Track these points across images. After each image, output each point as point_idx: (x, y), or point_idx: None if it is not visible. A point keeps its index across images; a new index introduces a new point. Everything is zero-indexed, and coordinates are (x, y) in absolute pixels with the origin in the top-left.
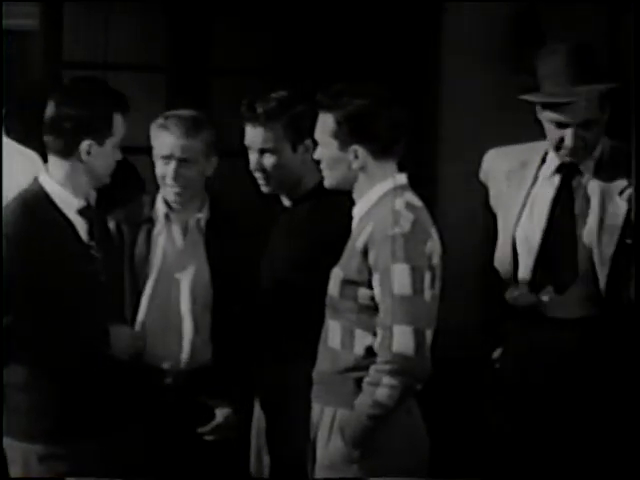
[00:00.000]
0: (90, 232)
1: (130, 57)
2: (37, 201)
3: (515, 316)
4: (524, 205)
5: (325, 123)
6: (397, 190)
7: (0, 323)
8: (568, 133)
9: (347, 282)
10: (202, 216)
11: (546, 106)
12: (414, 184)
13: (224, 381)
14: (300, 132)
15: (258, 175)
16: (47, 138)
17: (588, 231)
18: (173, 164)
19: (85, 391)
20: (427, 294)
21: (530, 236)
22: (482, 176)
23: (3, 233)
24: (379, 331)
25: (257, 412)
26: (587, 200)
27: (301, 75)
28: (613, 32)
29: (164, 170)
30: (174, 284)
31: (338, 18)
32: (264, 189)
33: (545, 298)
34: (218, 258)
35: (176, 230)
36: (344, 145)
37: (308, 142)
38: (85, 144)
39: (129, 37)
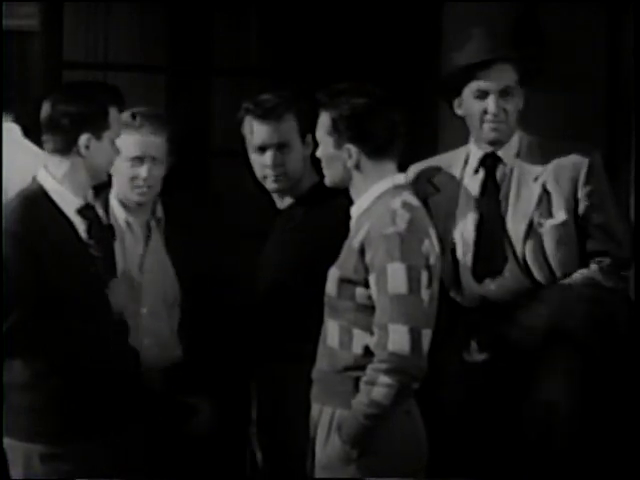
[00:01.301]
0: (89, 231)
1: (130, 57)
2: (37, 200)
3: (466, 311)
4: (457, 207)
5: (323, 121)
6: (395, 190)
7: (0, 323)
8: (490, 100)
9: (344, 281)
10: (161, 216)
11: (467, 80)
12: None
13: (199, 377)
14: (307, 126)
15: (273, 172)
16: (45, 137)
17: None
18: (147, 164)
19: (86, 391)
20: (424, 293)
21: (466, 233)
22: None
23: (4, 231)
24: (375, 330)
25: (252, 411)
26: (509, 188)
27: (301, 74)
28: (613, 32)
29: (134, 171)
30: (144, 287)
31: (338, 18)
32: (273, 186)
33: (492, 287)
34: (179, 256)
35: (139, 234)
36: (339, 143)
37: (311, 136)
38: (83, 138)
39: (129, 37)
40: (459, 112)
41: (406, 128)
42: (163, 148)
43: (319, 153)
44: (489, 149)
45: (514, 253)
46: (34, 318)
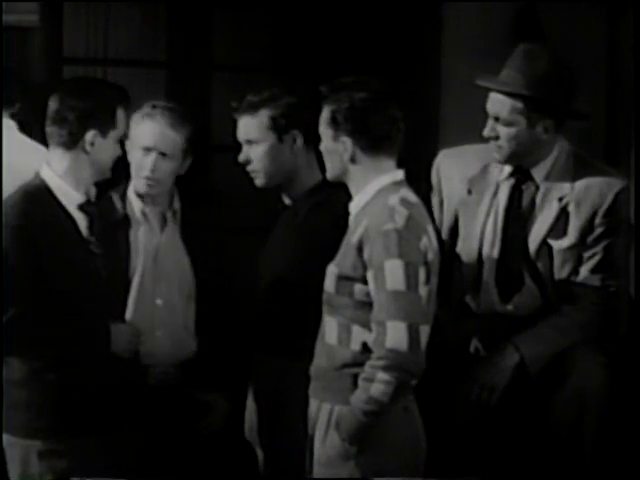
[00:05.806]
0: (90, 228)
1: (130, 53)
2: (38, 195)
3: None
4: (487, 215)
5: (324, 114)
6: (393, 186)
7: (0, 319)
8: (488, 122)
9: (342, 278)
10: (178, 208)
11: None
12: (414, 182)
13: (213, 373)
14: (287, 122)
15: (248, 168)
16: (50, 130)
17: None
18: (153, 155)
19: (84, 388)
20: (422, 290)
21: (494, 244)
22: (434, 176)
23: (4, 226)
24: (373, 327)
25: (250, 408)
26: (535, 204)
27: (302, 71)
28: (613, 32)
29: (142, 161)
30: (160, 278)
31: (339, 16)
32: (257, 182)
33: (510, 307)
34: (197, 249)
35: (154, 225)
36: (336, 136)
37: (295, 132)
38: (90, 134)
39: (129, 33)
40: None
41: (406, 125)
42: (176, 144)
43: (321, 147)
44: (497, 156)
45: (532, 271)
46: (33, 313)
